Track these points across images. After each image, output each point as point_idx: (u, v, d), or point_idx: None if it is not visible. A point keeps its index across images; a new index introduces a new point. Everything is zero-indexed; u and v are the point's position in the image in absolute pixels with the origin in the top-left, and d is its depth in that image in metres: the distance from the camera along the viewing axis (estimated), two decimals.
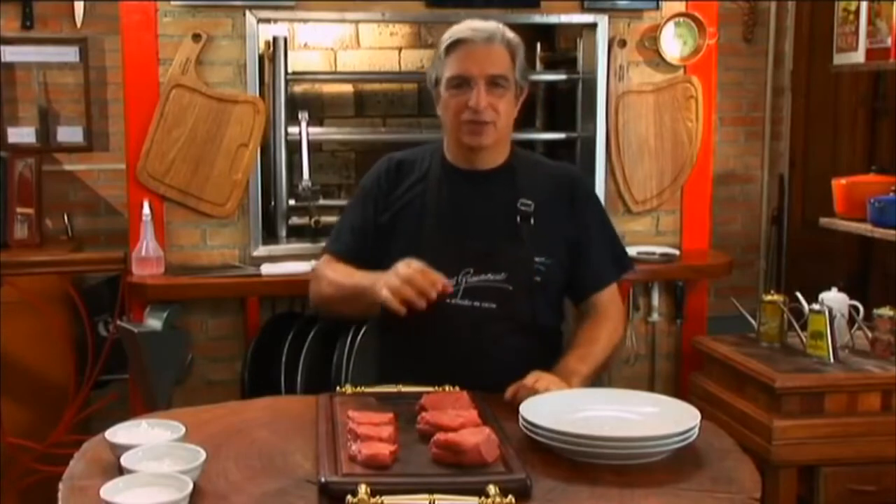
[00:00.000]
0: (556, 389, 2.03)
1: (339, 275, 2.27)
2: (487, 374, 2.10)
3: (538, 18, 3.63)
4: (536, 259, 2.25)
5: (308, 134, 3.54)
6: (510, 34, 2.26)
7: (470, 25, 2.24)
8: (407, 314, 2.03)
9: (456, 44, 2.22)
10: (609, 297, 2.37)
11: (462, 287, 2.22)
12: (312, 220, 3.56)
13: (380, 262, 2.22)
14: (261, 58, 3.53)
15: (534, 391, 2.01)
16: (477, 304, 2.22)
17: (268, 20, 3.50)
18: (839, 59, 3.80)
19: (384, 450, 1.68)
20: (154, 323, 3.23)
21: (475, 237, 2.25)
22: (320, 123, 4.16)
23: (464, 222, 2.27)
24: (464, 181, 2.30)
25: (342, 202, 3.68)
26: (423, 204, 2.29)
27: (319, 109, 4.18)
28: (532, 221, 2.26)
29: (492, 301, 2.22)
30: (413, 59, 4.18)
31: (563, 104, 4.06)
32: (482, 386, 2.06)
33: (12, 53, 3.95)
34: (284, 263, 3.36)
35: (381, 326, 2.38)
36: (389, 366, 2.33)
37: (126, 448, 1.71)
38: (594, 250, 2.34)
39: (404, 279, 2.01)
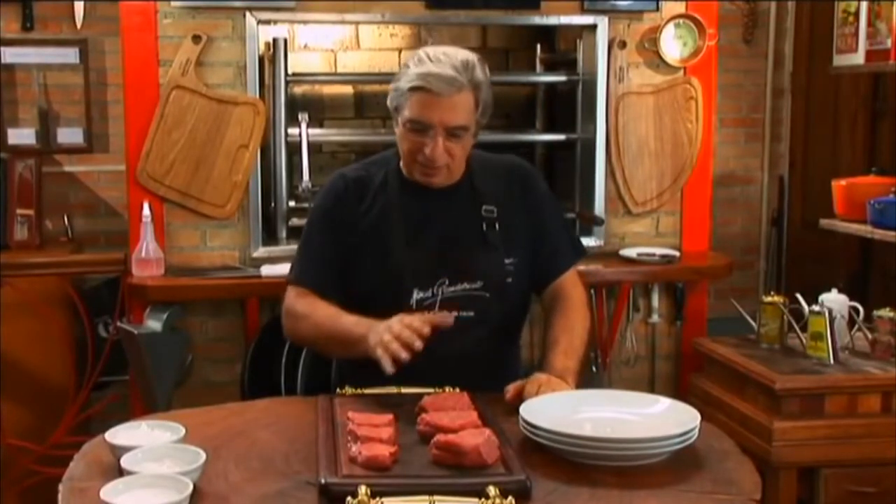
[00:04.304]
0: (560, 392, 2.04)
1: (321, 316, 2.21)
2: (465, 378, 2.10)
3: (538, 20, 3.63)
4: (506, 261, 2.27)
5: (308, 135, 3.54)
6: (479, 74, 2.16)
7: (436, 71, 2.10)
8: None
9: (419, 89, 2.13)
10: (571, 282, 2.37)
11: (439, 298, 2.22)
12: None
13: (351, 283, 2.22)
14: (261, 59, 3.53)
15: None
16: (455, 313, 2.21)
17: (268, 21, 3.50)
18: (839, 60, 3.80)
19: (384, 451, 1.68)
20: (154, 324, 3.23)
21: (446, 248, 2.24)
22: (320, 125, 4.16)
23: (433, 234, 2.26)
24: (425, 193, 2.27)
25: None
26: (389, 219, 2.25)
27: (319, 111, 4.18)
28: (497, 227, 2.27)
29: (470, 309, 2.22)
30: None
31: (562, 105, 4.07)
32: (462, 389, 2.08)
33: (12, 55, 3.95)
34: (284, 265, 3.32)
35: None
36: (354, 371, 2.28)
37: (126, 449, 1.71)
38: (550, 238, 2.35)
39: (395, 335, 1.99)
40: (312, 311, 2.24)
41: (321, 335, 2.22)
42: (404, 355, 1.97)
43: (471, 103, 2.16)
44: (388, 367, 1.97)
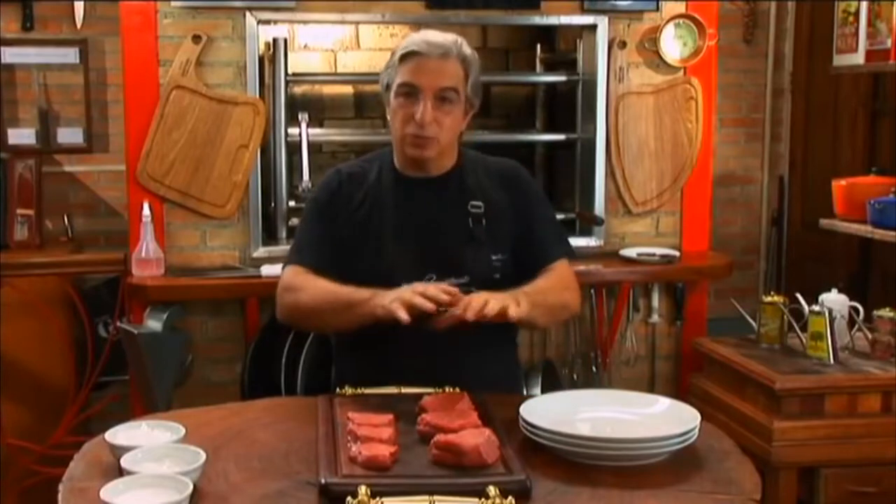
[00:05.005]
0: (497, 303, 2.00)
1: (321, 286, 2.22)
2: (454, 373, 2.11)
3: (538, 20, 3.63)
4: (493, 257, 2.28)
5: (308, 135, 3.54)
6: (467, 50, 2.25)
7: (427, 38, 2.22)
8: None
9: (410, 55, 2.21)
10: (561, 265, 2.34)
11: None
12: None
13: (343, 276, 2.22)
14: (261, 59, 3.53)
15: (475, 308, 1.99)
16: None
17: (268, 21, 3.50)
18: (839, 60, 3.80)
19: (384, 451, 1.68)
20: (154, 324, 3.23)
21: (434, 242, 2.26)
22: (320, 125, 4.17)
23: (421, 228, 2.28)
24: (416, 188, 2.30)
25: None
26: (380, 214, 2.29)
27: (319, 111, 4.18)
28: (484, 222, 2.28)
29: None
30: None
31: (562, 105, 4.07)
32: (450, 386, 2.09)
33: (12, 55, 3.95)
34: None
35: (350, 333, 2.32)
36: (353, 371, 2.29)
37: (126, 449, 1.71)
38: (539, 238, 2.34)
39: (418, 291, 2.01)
40: (311, 282, 2.24)
41: (321, 302, 2.21)
42: (429, 305, 1.99)
43: (460, 72, 2.23)
44: (404, 315, 1.98)
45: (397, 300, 2.01)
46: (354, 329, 2.17)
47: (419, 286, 2.06)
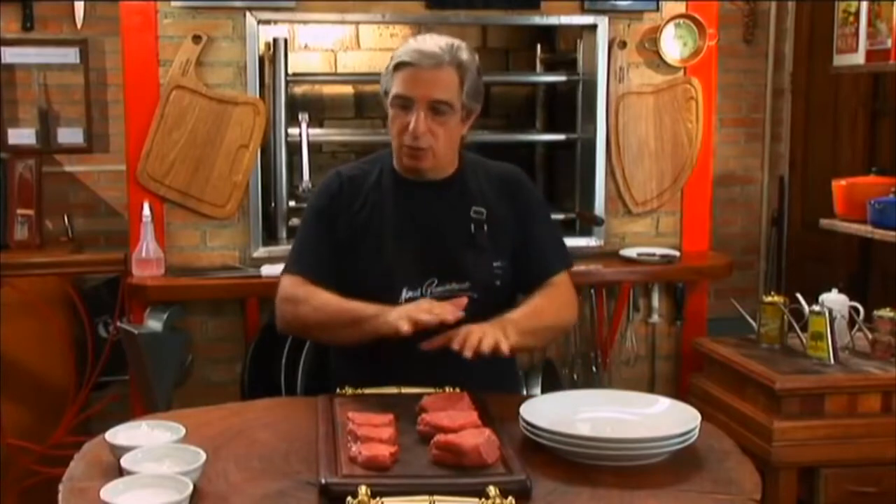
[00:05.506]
0: (491, 338, 2.02)
1: (324, 298, 2.21)
2: (453, 378, 2.10)
3: (538, 20, 3.63)
4: (494, 264, 2.28)
5: (308, 135, 3.54)
6: (463, 55, 2.21)
7: (420, 47, 2.20)
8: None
9: (402, 65, 2.20)
10: (560, 280, 2.35)
11: (428, 297, 2.21)
12: None
13: (343, 279, 2.22)
14: (261, 59, 3.53)
15: (472, 344, 2.01)
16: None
17: (268, 21, 3.50)
18: (839, 60, 3.80)
19: (384, 451, 1.68)
20: (154, 324, 3.23)
21: (435, 247, 2.26)
22: (320, 125, 4.17)
23: (422, 233, 2.27)
24: (417, 191, 2.30)
25: None
26: (381, 217, 2.28)
27: (320, 111, 4.18)
28: (485, 228, 2.28)
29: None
30: None
31: (563, 105, 4.07)
32: (450, 386, 2.09)
33: (13, 55, 3.95)
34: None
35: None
36: (353, 372, 2.28)
37: (126, 449, 1.71)
38: (537, 246, 2.34)
39: (424, 309, 2.03)
40: (313, 294, 2.23)
41: (324, 316, 2.20)
42: (426, 317, 2.00)
43: (455, 81, 2.20)
44: (406, 326, 1.99)
45: (405, 316, 2.02)
46: (356, 343, 2.17)
47: (425, 303, 2.07)
